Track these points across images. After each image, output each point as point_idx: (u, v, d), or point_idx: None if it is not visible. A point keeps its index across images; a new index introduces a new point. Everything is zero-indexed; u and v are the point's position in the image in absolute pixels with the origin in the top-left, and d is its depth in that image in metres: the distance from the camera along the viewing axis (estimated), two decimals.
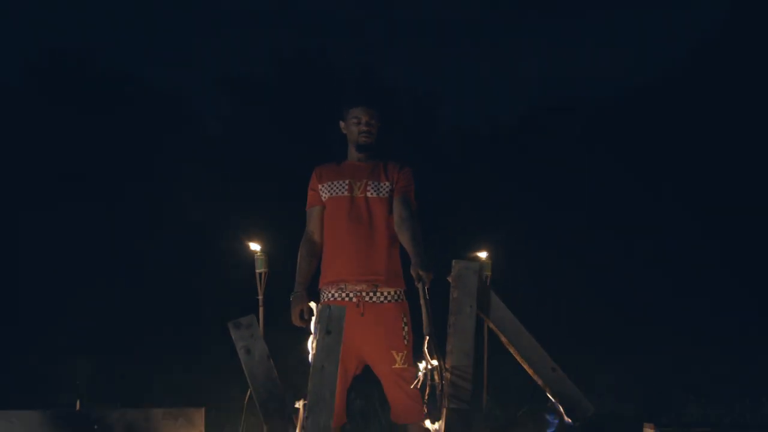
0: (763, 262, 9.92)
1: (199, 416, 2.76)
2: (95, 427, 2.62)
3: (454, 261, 2.87)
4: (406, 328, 3.23)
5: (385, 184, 3.28)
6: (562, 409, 2.74)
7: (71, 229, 10.49)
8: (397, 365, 3.20)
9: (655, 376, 5.64)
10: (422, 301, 2.92)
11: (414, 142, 14.31)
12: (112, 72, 15.25)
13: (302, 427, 2.65)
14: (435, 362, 2.81)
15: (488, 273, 3.66)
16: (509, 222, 9.94)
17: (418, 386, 2.88)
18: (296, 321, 3.22)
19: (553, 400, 2.78)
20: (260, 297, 3.34)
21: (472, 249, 3.76)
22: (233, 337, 2.70)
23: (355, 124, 3.35)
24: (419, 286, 2.92)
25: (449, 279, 2.86)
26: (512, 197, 11.80)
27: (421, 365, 2.85)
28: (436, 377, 2.81)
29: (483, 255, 3.57)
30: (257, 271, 3.40)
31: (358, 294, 3.18)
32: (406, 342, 3.21)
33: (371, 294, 3.18)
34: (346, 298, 3.18)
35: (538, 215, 10.89)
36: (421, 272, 2.95)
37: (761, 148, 12.45)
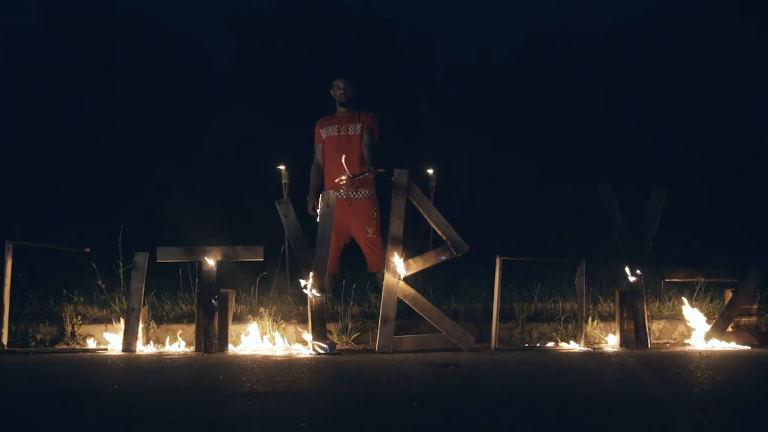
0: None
1: (261, 250, 4.98)
2: (207, 252, 4.95)
3: (395, 169, 4.92)
4: (375, 214, 5.44)
5: (357, 125, 5.44)
6: (451, 247, 5.01)
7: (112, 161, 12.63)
8: (369, 235, 5.43)
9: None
10: (368, 172, 5.18)
11: (413, 74, 16.01)
12: (128, 13, 16.56)
13: (314, 256, 4.95)
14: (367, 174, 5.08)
15: (433, 183, 5.94)
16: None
17: (358, 178, 5.18)
18: (310, 211, 5.51)
19: (447, 243, 5.05)
20: (285, 197, 5.64)
21: (429, 166, 6.01)
22: (278, 209, 4.92)
23: (336, 90, 5.50)
24: (370, 171, 5.10)
25: (393, 179, 5.02)
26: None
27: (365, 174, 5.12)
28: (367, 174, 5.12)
29: (430, 171, 5.86)
30: (283, 181, 5.74)
31: (347, 193, 5.46)
32: (375, 221, 5.42)
33: (354, 193, 5.41)
34: (340, 196, 5.48)
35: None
36: (371, 168, 5.09)
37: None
